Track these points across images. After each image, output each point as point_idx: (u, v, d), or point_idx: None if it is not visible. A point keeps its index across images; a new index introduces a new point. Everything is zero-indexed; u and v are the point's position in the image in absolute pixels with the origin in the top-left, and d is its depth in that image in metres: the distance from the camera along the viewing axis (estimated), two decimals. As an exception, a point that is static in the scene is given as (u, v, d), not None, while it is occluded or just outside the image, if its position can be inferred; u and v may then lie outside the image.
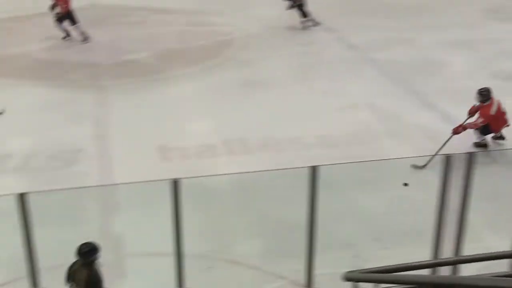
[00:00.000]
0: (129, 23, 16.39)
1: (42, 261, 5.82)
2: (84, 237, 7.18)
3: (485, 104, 9.29)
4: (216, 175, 8.04)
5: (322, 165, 6.27)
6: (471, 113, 9.41)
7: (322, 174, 6.15)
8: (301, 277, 6.60)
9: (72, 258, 5.47)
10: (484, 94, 9.33)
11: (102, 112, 11.05)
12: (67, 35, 14.56)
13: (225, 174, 8.10)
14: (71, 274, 5.43)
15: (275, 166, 8.06)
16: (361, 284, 5.05)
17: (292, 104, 11.24)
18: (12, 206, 5.56)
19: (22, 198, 5.51)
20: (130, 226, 7.66)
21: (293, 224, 7.16)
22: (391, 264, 4.97)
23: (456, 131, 9.20)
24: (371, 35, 15.08)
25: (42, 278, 5.98)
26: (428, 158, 8.71)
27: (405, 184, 8.50)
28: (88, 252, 5.37)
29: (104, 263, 5.39)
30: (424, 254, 6.34)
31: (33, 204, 5.57)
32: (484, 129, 9.41)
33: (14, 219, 5.63)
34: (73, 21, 14.40)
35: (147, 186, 7.45)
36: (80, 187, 7.49)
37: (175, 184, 5.67)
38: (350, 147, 9.66)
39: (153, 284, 6.50)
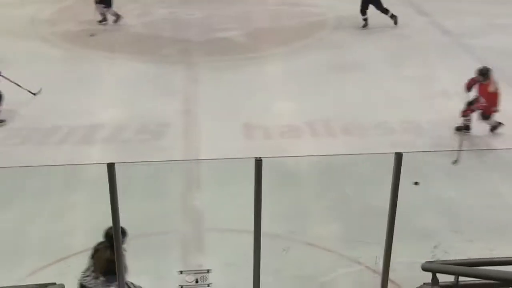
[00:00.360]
0: (224, 0, 16.54)
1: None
2: (166, 209, 7.44)
3: (484, 82, 9.21)
4: (298, 156, 8.02)
5: (408, 152, 6.12)
6: (469, 88, 9.36)
7: (407, 161, 6.00)
8: (379, 264, 6.51)
9: (152, 228, 5.62)
10: (485, 74, 9.23)
11: (191, 88, 11.25)
12: (104, 19, 14.50)
13: (307, 155, 8.07)
14: (95, 253, 5.48)
15: (359, 150, 7.97)
16: (439, 275, 4.95)
17: (380, 88, 11.05)
18: (100, 175, 5.76)
19: (110, 168, 5.66)
20: (211, 201, 7.79)
21: (373, 210, 7.06)
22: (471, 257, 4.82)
23: (465, 114, 9.25)
24: (467, 20, 14.55)
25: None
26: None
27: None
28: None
29: (184, 236, 5.49)
30: (509, 251, 6.10)
31: (119, 175, 5.75)
32: (484, 115, 9.35)
33: (101, 188, 5.83)
34: (108, 5, 14.34)
35: (230, 163, 7.55)
36: (166, 161, 7.67)
37: (258, 163, 5.69)
38: (438, 135, 9.40)
39: (229, 260, 6.59)
